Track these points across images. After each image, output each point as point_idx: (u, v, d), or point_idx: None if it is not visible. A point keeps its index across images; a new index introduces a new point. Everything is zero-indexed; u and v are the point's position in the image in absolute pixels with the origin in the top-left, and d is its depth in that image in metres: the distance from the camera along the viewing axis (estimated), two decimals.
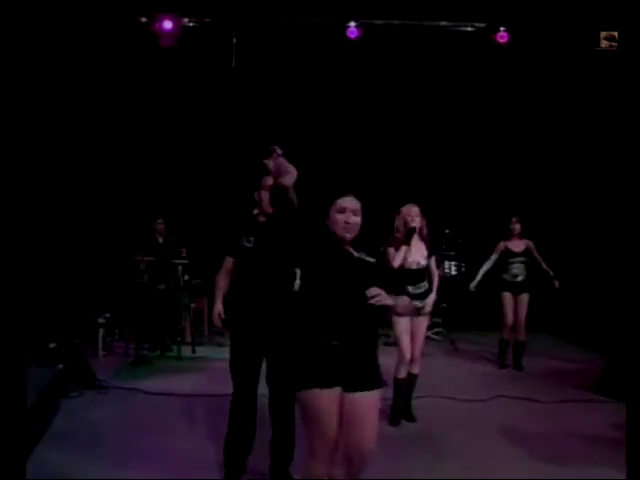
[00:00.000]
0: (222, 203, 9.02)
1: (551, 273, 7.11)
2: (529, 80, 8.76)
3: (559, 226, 9.10)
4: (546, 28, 7.84)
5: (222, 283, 3.97)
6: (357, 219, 3.13)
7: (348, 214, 3.13)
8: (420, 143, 9.16)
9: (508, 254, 7.09)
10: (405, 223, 5.11)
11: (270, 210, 3.86)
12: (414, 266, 5.13)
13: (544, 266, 7.12)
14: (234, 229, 3.99)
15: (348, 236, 3.07)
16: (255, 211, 3.95)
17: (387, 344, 7.72)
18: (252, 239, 3.85)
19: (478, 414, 5.45)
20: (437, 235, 8.43)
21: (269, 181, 3.74)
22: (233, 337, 3.89)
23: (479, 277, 7.20)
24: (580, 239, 8.90)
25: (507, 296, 7.10)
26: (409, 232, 5.07)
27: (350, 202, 3.23)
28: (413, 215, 5.10)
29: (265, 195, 3.87)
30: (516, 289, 7.10)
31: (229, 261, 3.97)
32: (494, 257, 7.15)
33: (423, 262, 5.17)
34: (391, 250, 5.10)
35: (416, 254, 5.13)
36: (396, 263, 5.07)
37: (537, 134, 9.15)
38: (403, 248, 5.05)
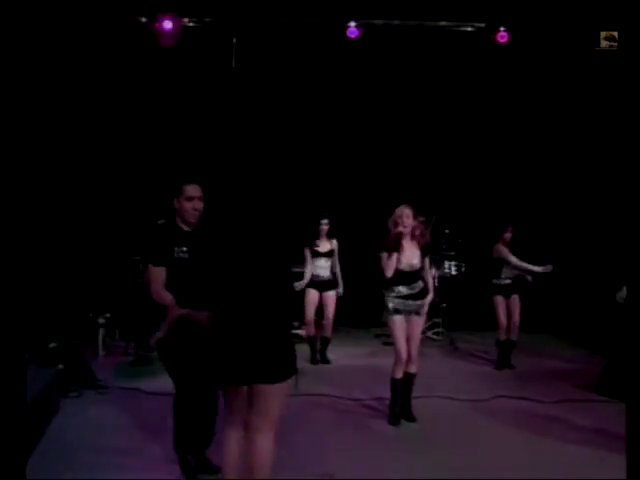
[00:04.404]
0: (222, 203, 9.01)
1: None
2: (529, 80, 8.76)
3: (560, 226, 9.10)
4: (546, 28, 7.84)
5: (169, 296, 3.70)
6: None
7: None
8: (420, 143, 9.16)
9: (504, 260, 7.11)
10: (395, 225, 5.12)
11: (194, 220, 3.81)
12: (407, 268, 5.13)
13: None
14: (162, 238, 3.80)
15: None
16: (178, 220, 3.84)
17: (386, 344, 7.74)
18: (185, 249, 3.73)
19: (478, 414, 5.45)
20: (437, 235, 8.43)
21: (191, 191, 3.78)
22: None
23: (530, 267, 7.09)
24: (581, 239, 8.90)
25: (500, 299, 7.14)
26: (397, 237, 5.09)
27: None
28: (404, 217, 5.10)
29: (186, 204, 3.78)
30: (507, 291, 7.16)
31: (162, 272, 3.73)
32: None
33: (416, 263, 5.17)
34: (384, 256, 5.13)
35: (409, 256, 5.14)
36: (389, 273, 5.11)
37: (537, 134, 9.14)
38: (393, 256, 5.07)
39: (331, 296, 7.21)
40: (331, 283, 7.24)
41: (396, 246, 5.06)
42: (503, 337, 7.19)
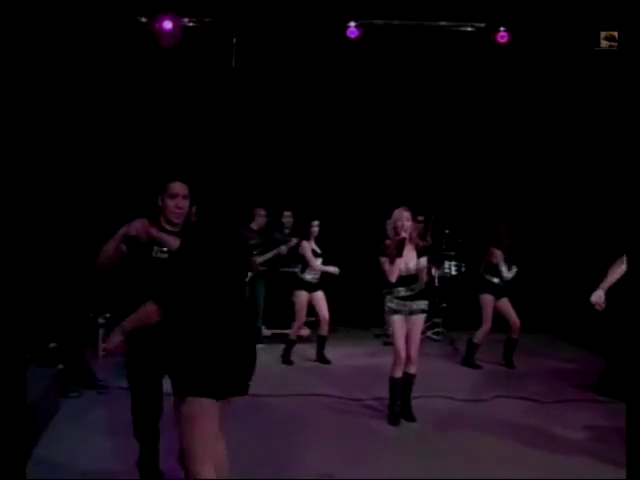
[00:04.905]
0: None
1: None
2: (529, 80, 8.76)
3: (560, 226, 9.10)
4: (546, 28, 7.84)
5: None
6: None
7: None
8: (420, 143, 9.17)
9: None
10: (396, 229, 5.11)
11: (177, 220, 3.64)
12: (404, 273, 5.15)
13: None
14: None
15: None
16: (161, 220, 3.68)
17: (386, 344, 7.74)
18: (165, 249, 3.56)
19: (478, 414, 5.45)
20: (437, 235, 8.44)
21: (175, 188, 3.61)
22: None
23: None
24: (580, 239, 8.89)
25: (489, 299, 7.12)
26: (400, 243, 5.08)
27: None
28: (404, 220, 5.10)
29: (169, 202, 3.62)
30: (498, 292, 7.13)
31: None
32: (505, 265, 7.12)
33: (413, 267, 5.19)
34: (385, 261, 5.12)
35: (407, 260, 5.15)
36: (393, 279, 5.11)
37: (537, 134, 9.15)
38: (397, 262, 5.07)
39: (320, 295, 7.23)
40: (319, 284, 7.26)
41: (400, 252, 5.06)
42: (480, 340, 7.14)
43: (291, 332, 7.33)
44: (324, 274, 7.26)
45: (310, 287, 7.22)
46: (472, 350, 7.19)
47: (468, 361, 7.19)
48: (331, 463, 4.27)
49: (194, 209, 3.44)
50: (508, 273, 7.05)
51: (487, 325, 7.12)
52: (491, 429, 5.06)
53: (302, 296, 7.20)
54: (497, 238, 7.12)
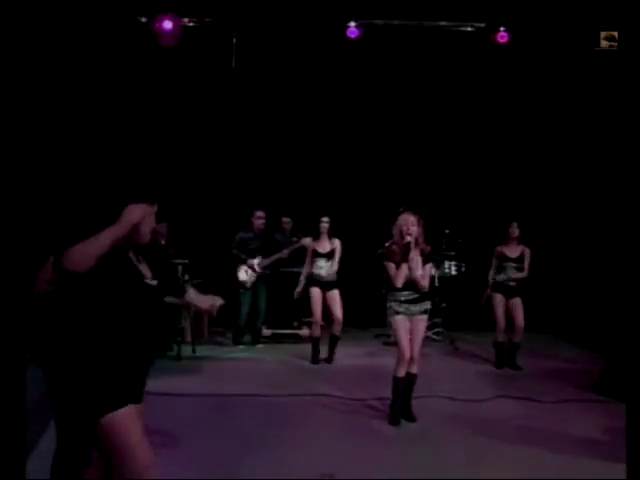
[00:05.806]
0: (223, 204, 9.03)
1: (524, 275, 7.10)
2: (529, 80, 8.77)
3: (559, 226, 9.11)
4: (546, 28, 7.85)
5: None
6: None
7: None
8: (420, 143, 9.17)
9: (503, 258, 7.12)
10: (401, 234, 5.11)
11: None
12: (408, 277, 5.13)
13: (525, 274, 7.09)
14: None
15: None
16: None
17: (387, 344, 7.75)
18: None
19: (478, 414, 5.45)
20: (437, 235, 8.44)
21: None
22: None
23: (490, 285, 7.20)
24: (580, 239, 8.90)
25: (498, 297, 7.11)
26: (405, 248, 5.06)
27: None
28: (409, 225, 5.08)
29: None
30: (508, 292, 7.10)
31: None
32: (495, 262, 7.17)
33: (419, 273, 5.17)
34: (391, 266, 5.11)
35: (413, 267, 5.12)
36: (399, 284, 5.10)
37: (537, 134, 9.15)
38: (403, 267, 5.06)
39: (335, 295, 7.23)
40: (334, 282, 7.25)
41: (405, 257, 5.05)
42: (501, 338, 7.15)
43: (311, 331, 7.44)
44: (340, 273, 7.27)
45: (324, 285, 7.23)
46: (500, 352, 7.18)
47: (500, 363, 7.17)
48: (331, 463, 4.27)
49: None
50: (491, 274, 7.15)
51: (498, 324, 7.12)
52: (491, 429, 5.06)
53: (314, 293, 7.23)
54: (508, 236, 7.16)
